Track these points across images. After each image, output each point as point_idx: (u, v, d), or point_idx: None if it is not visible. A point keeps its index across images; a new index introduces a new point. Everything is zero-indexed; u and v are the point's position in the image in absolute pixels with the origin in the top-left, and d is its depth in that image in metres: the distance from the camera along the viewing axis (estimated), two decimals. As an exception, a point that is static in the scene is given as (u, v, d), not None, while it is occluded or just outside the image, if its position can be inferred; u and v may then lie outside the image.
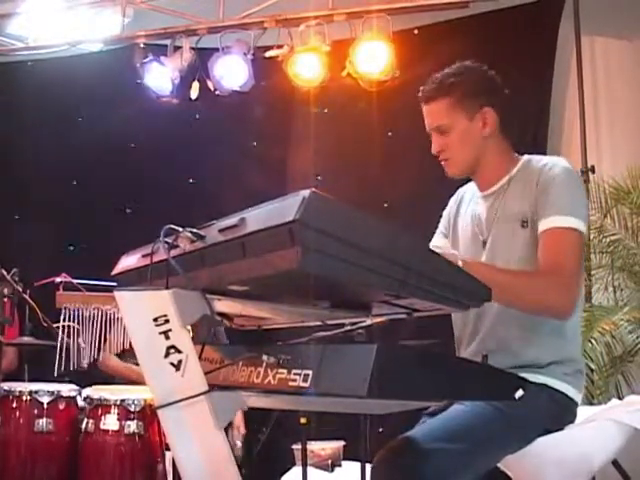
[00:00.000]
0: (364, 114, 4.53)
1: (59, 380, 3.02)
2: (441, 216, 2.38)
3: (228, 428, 3.48)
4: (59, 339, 3.02)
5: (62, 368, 3.02)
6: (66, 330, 3.03)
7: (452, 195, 2.39)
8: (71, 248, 5.01)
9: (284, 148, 4.93)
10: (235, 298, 1.56)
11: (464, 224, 2.25)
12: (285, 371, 1.41)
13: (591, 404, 3.37)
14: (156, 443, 2.89)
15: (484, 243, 2.14)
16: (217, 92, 4.56)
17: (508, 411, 1.85)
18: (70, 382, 3.13)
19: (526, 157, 2.18)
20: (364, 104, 4.52)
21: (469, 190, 2.32)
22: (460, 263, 1.78)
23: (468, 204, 2.28)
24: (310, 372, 1.35)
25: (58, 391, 2.93)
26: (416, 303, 1.47)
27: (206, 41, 4.64)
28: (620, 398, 3.30)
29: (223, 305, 1.59)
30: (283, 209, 1.28)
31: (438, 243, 2.31)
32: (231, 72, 4.50)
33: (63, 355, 3.00)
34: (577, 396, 2.06)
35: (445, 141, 2.15)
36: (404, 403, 1.45)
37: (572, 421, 2.06)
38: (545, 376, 2.01)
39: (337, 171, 4.77)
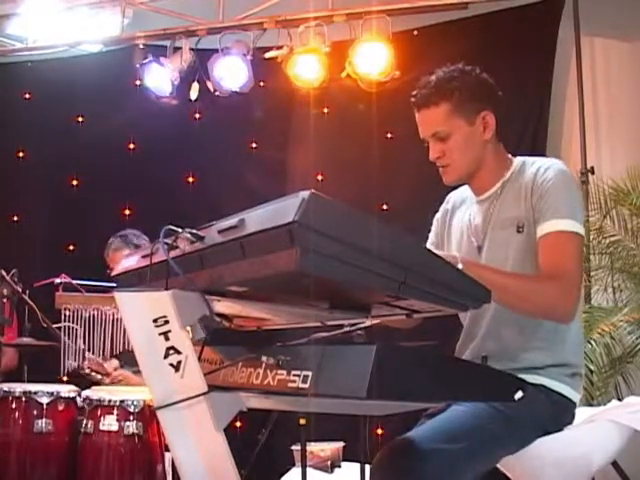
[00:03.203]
0: (363, 115, 4.53)
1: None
2: (432, 224, 2.36)
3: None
4: (62, 340, 3.02)
5: (64, 369, 3.03)
6: (66, 331, 3.04)
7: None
8: (71, 248, 5.01)
9: (283, 149, 4.94)
10: (234, 299, 1.56)
11: (458, 229, 2.23)
12: (284, 372, 1.41)
13: (590, 405, 3.37)
14: (155, 444, 2.89)
15: (479, 248, 2.12)
16: (217, 93, 4.57)
17: (507, 412, 1.85)
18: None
19: (519, 159, 2.15)
20: (363, 105, 4.52)
21: (460, 195, 2.29)
22: (460, 265, 1.77)
23: (462, 209, 2.25)
24: (309, 373, 1.35)
25: (57, 392, 2.93)
26: (415, 304, 1.47)
27: (206, 42, 4.64)
28: (619, 399, 3.30)
29: (222, 306, 1.58)
30: (282, 210, 1.28)
31: None
32: (231, 73, 4.50)
33: (66, 356, 3.01)
34: (575, 397, 2.05)
35: (444, 147, 2.09)
36: (404, 404, 1.45)
37: (570, 422, 2.06)
38: (543, 377, 2.00)
39: (336, 172, 4.77)
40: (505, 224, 2.07)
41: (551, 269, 1.94)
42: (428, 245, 2.32)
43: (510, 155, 2.18)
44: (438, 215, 2.34)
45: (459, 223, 2.23)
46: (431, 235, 2.34)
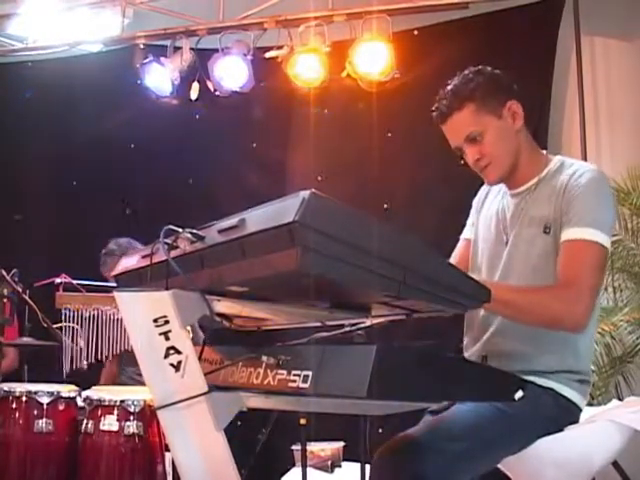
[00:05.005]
0: (364, 115, 4.52)
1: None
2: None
3: None
4: (63, 340, 3.02)
5: (64, 369, 3.03)
6: (66, 331, 3.04)
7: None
8: (71, 248, 5.01)
9: (284, 149, 4.93)
10: (235, 299, 1.56)
11: (486, 219, 2.21)
12: (285, 372, 1.41)
13: (591, 405, 3.35)
14: (156, 444, 2.89)
15: (506, 243, 2.09)
16: (217, 93, 4.57)
17: (511, 412, 1.84)
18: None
19: (558, 158, 2.12)
20: (364, 105, 4.52)
21: None
22: None
23: (495, 196, 2.22)
24: (310, 373, 1.35)
25: (58, 392, 2.93)
26: (415, 304, 1.47)
27: (206, 42, 4.64)
28: (620, 399, 3.29)
29: (223, 306, 1.58)
30: (283, 210, 1.28)
31: (467, 235, 2.28)
32: (231, 73, 4.50)
33: (66, 356, 3.01)
34: (582, 403, 2.04)
35: (480, 148, 2.05)
36: (404, 404, 1.45)
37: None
38: (553, 381, 1.98)
39: (337, 172, 4.77)
40: (533, 222, 2.04)
41: (565, 278, 1.92)
42: (466, 229, 2.30)
43: (546, 152, 2.15)
44: (475, 199, 2.32)
45: (488, 213, 2.21)
46: (469, 219, 2.31)
